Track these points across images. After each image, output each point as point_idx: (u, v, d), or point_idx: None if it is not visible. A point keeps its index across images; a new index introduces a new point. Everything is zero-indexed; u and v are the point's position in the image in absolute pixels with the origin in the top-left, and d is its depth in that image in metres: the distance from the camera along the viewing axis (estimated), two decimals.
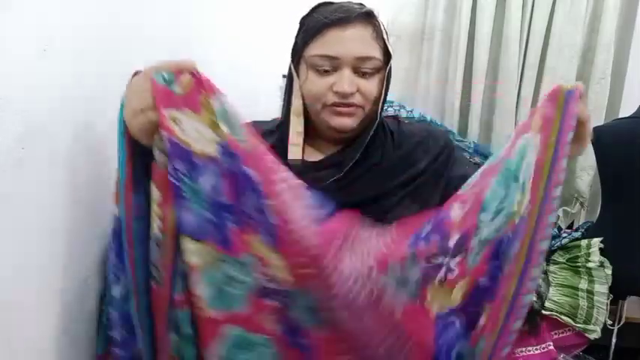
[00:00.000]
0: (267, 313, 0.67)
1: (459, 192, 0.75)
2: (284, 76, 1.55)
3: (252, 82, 0.87)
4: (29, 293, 0.67)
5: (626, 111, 1.87)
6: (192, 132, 0.63)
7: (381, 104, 0.87)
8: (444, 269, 0.70)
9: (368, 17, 0.85)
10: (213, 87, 0.65)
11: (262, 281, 0.66)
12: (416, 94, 2.07)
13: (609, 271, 1.53)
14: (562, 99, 0.64)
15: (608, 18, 1.91)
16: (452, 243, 0.69)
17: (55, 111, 0.67)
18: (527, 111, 1.98)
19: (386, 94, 0.88)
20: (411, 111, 1.97)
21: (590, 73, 1.96)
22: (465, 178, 0.81)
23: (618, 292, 1.58)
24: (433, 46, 2.03)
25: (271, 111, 1.11)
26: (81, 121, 0.73)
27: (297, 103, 0.87)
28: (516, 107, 2.00)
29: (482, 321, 0.65)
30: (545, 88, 1.97)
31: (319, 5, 0.88)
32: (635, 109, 1.67)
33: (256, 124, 0.85)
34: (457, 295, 0.67)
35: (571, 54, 1.94)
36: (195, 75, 0.64)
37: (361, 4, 0.87)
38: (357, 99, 0.84)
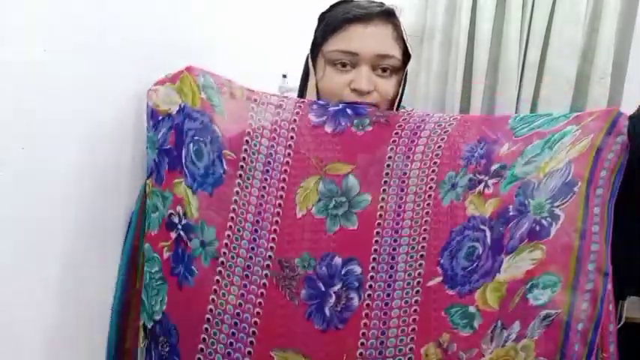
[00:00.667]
0: (165, 239, 0.82)
1: (514, 137, 0.82)
2: (284, 76, 1.55)
3: (252, 82, 0.87)
4: (29, 293, 0.67)
5: (626, 110, 1.86)
6: (163, 96, 0.83)
7: (396, 106, 0.87)
8: (483, 184, 0.79)
9: (389, 16, 0.85)
10: (201, 71, 0.84)
11: (170, 213, 0.82)
12: (416, 94, 2.06)
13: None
14: (612, 117, 0.80)
15: (608, 18, 1.90)
16: (494, 168, 0.79)
17: (55, 111, 0.68)
18: (527, 112, 1.98)
19: (402, 95, 0.88)
20: (412, 111, 1.97)
21: (590, 73, 1.95)
22: None
23: (618, 292, 1.57)
24: (433, 46, 2.02)
25: None
26: (82, 120, 0.73)
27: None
28: (516, 107, 2.00)
29: (538, 255, 0.76)
30: (545, 88, 1.96)
31: (338, 3, 0.88)
32: (635, 109, 1.66)
33: None
34: (489, 208, 0.78)
35: (571, 54, 1.93)
36: (187, 67, 0.83)
37: (382, 3, 0.87)
38: (374, 97, 0.84)
